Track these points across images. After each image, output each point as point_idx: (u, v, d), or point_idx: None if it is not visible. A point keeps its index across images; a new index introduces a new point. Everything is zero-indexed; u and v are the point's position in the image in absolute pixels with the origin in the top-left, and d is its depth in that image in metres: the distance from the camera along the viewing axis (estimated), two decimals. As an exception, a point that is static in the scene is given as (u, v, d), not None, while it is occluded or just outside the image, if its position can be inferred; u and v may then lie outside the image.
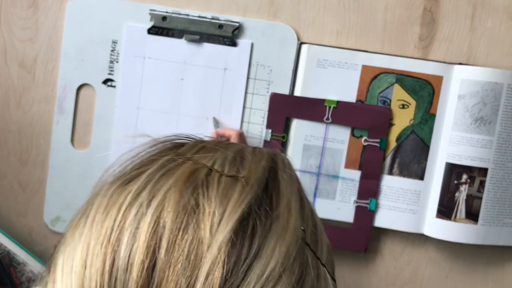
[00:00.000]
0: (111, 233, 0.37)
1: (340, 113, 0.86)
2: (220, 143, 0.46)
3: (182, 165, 0.41)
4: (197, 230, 0.36)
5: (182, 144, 0.46)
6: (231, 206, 0.37)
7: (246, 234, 0.37)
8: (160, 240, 0.36)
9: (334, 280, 0.43)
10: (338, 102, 0.85)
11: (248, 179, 0.40)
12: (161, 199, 0.38)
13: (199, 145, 0.45)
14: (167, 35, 0.85)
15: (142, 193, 0.38)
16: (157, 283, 0.35)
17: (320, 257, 0.41)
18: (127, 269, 0.35)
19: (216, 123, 0.86)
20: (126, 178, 0.41)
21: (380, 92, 0.86)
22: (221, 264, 0.35)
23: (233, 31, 0.85)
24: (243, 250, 0.36)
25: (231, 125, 0.87)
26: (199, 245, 0.35)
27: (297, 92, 0.86)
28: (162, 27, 0.85)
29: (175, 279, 0.35)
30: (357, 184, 0.87)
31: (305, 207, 0.43)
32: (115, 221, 0.37)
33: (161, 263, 0.35)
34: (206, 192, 0.38)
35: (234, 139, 0.83)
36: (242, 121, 0.87)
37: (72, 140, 0.87)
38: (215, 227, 0.36)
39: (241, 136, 0.84)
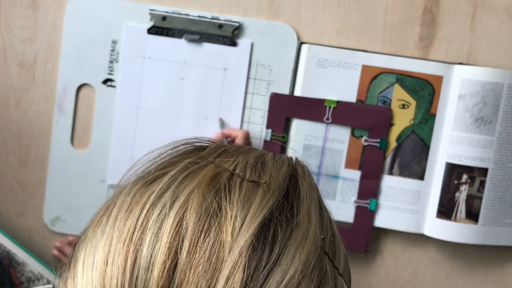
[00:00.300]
0: (133, 232, 0.37)
1: (340, 113, 0.85)
2: (241, 148, 0.47)
3: (204, 168, 0.42)
4: (218, 233, 0.36)
5: (204, 147, 0.47)
6: (253, 210, 0.38)
7: (267, 239, 0.37)
8: (182, 241, 0.36)
9: None
10: (338, 102, 0.85)
11: (270, 185, 0.40)
12: (184, 201, 0.38)
13: (221, 149, 0.46)
14: (167, 35, 0.85)
15: (165, 194, 0.39)
16: (177, 284, 0.35)
17: (337, 266, 0.42)
18: (148, 268, 0.36)
19: (222, 124, 0.86)
20: (149, 178, 0.41)
21: (380, 92, 0.86)
22: (241, 269, 0.35)
23: (233, 31, 0.85)
24: (264, 255, 0.36)
25: (232, 125, 0.87)
26: (220, 248, 0.36)
27: (297, 92, 0.86)
28: (162, 27, 0.85)
29: (196, 281, 0.35)
30: (357, 184, 0.87)
31: (324, 216, 0.44)
32: (138, 220, 0.38)
33: (183, 264, 0.35)
34: (228, 196, 0.39)
35: (240, 140, 0.83)
36: (242, 121, 0.87)
37: (72, 140, 0.87)
38: (237, 231, 0.36)
39: (247, 136, 0.84)
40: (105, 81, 0.86)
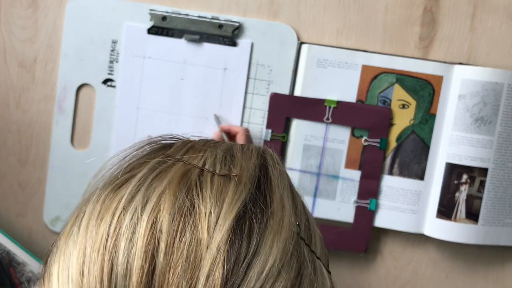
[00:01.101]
0: (107, 239, 0.37)
1: (340, 113, 0.85)
2: (208, 142, 0.46)
3: (173, 166, 0.41)
4: (194, 232, 0.36)
5: (170, 145, 0.46)
6: (226, 205, 0.37)
7: (243, 232, 0.37)
8: (158, 243, 0.35)
9: (329, 272, 0.43)
10: (338, 102, 0.85)
11: (241, 177, 0.40)
12: (155, 202, 0.37)
13: (188, 145, 0.45)
14: (167, 35, 0.85)
15: (135, 197, 0.38)
16: (158, 287, 0.35)
17: (314, 250, 0.41)
18: (126, 275, 0.35)
19: (218, 119, 0.86)
20: (117, 183, 0.41)
21: (380, 92, 0.86)
22: (221, 264, 0.35)
23: (233, 31, 0.85)
24: (242, 248, 0.36)
25: (228, 121, 0.86)
26: (197, 246, 0.35)
27: (297, 92, 0.86)
28: (162, 27, 0.85)
29: (176, 282, 0.35)
30: (357, 184, 0.87)
31: (297, 202, 0.44)
32: (110, 226, 0.37)
33: (161, 267, 0.35)
34: (200, 193, 0.38)
35: (240, 137, 0.83)
36: (242, 121, 0.87)
37: (72, 140, 0.87)
38: (212, 227, 0.36)
39: (247, 133, 0.84)
40: (105, 81, 0.86)
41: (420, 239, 0.89)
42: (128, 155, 0.45)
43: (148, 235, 0.36)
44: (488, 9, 0.86)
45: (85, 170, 0.87)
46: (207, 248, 0.35)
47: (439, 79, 0.85)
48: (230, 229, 0.36)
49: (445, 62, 0.85)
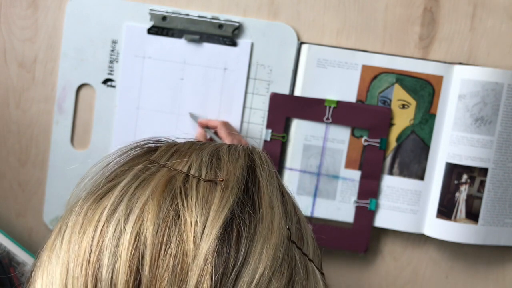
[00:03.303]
0: (90, 254, 0.35)
1: (340, 113, 0.85)
2: (194, 144, 0.44)
3: (157, 173, 0.39)
4: (180, 243, 0.35)
5: (154, 149, 0.44)
6: (213, 213, 0.36)
7: (231, 241, 0.35)
8: (143, 257, 0.34)
9: (322, 274, 0.42)
10: (338, 102, 0.85)
11: (227, 182, 0.39)
12: (139, 213, 0.36)
13: (172, 149, 0.43)
14: (167, 35, 0.85)
15: (118, 208, 0.37)
16: None
17: (307, 253, 0.40)
18: None
19: (194, 116, 0.85)
20: (99, 193, 0.39)
21: (380, 92, 0.86)
22: (208, 276, 0.34)
23: (233, 31, 0.85)
24: (230, 258, 0.35)
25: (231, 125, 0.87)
26: (184, 258, 0.34)
27: (297, 92, 0.86)
28: (162, 27, 0.85)
29: None
30: (357, 184, 0.87)
31: (287, 203, 0.42)
32: (92, 240, 0.36)
33: (146, 281, 0.34)
34: (185, 201, 0.37)
35: (220, 129, 0.82)
36: (242, 121, 0.87)
37: (71, 140, 0.87)
38: (199, 237, 0.35)
39: (226, 125, 0.83)
40: (105, 81, 0.86)
41: (420, 239, 0.89)
42: (111, 162, 0.43)
43: (132, 248, 0.35)
44: (488, 9, 0.86)
45: (84, 170, 0.87)
46: (193, 259, 0.34)
47: (439, 79, 0.85)
48: (217, 238, 0.35)
49: (445, 62, 0.85)
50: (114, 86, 0.86)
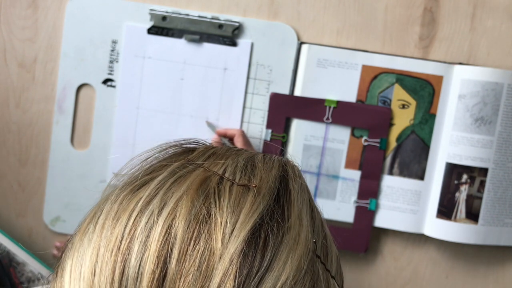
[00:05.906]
0: (121, 241, 0.36)
1: (340, 113, 0.85)
2: (230, 149, 0.46)
3: (193, 172, 0.41)
4: (208, 241, 0.36)
5: (192, 150, 0.45)
6: (243, 216, 0.37)
7: (258, 245, 0.36)
8: (171, 250, 0.35)
9: None
10: (338, 102, 0.85)
11: (260, 188, 0.40)
12: (172, 207, 0.37)
13: (210, 151, 0.45)
14: (167, 35, 0.85)
15: (153, 200, 0.38)
16: None
17: (330, 269, 0.41)
18: (137, 278, 0.35)
19: (211, 125, 0.86)
20: (136, 184, 0.40)
21: (380, 92, 0.86)
22: (232, 276, 0.34)
23: (233, 31, 0.85)
24: (255, 262, 0.35)
25: (231, 125, 0.86)
26: (210, 256, 0.35)
27: (297, 92, 0.86)
28: (162, 27, 0.85)
29: None
30: (357, 184, 0.87)
31: (315, 218, 0.43)
32: (125, 228, 0.37)
33: (172, 274, 0.35)
34: (217, 201, 0.38)
35: (237, 138, 0.83)
36: (242, 121, 0.87)
37: (71, 140, 0.87)
38: (227, 237, 0.36)
39: (243, 135, 0.84)
40: (105, 81, 0.86)
41: (420, 239, 0.89)
42: (150, 157, 0.44)
43: (162, 240, 0.36)
44: (488, 9, 0.86)
45: (84, 170, 0.87)
46: (220, 258, 0.35)
47: (439, 79, 0.85)
48: (245, 241, 0.36)
49: (445, 62, 0.85)
50: (114, 86, 0.86)
